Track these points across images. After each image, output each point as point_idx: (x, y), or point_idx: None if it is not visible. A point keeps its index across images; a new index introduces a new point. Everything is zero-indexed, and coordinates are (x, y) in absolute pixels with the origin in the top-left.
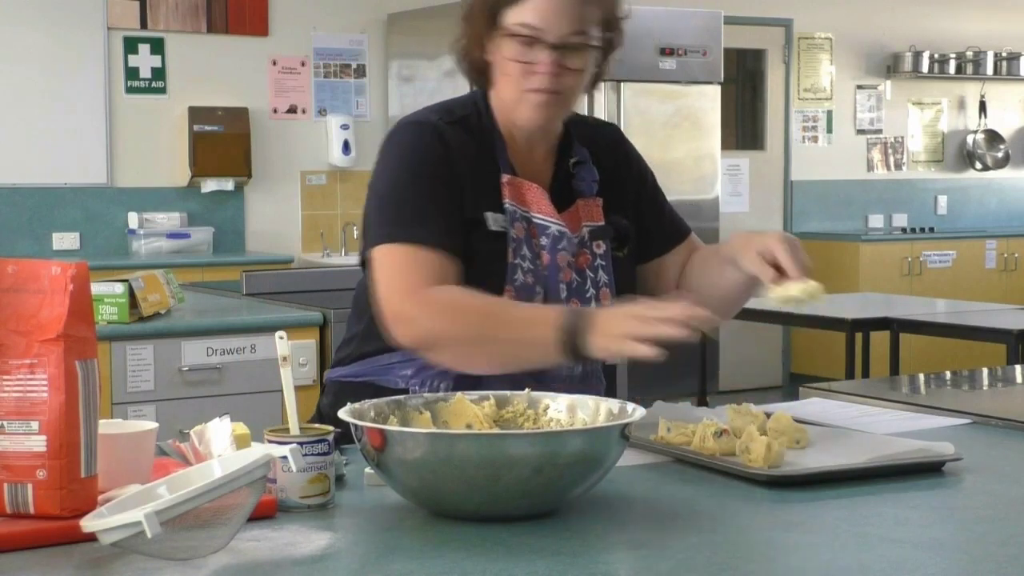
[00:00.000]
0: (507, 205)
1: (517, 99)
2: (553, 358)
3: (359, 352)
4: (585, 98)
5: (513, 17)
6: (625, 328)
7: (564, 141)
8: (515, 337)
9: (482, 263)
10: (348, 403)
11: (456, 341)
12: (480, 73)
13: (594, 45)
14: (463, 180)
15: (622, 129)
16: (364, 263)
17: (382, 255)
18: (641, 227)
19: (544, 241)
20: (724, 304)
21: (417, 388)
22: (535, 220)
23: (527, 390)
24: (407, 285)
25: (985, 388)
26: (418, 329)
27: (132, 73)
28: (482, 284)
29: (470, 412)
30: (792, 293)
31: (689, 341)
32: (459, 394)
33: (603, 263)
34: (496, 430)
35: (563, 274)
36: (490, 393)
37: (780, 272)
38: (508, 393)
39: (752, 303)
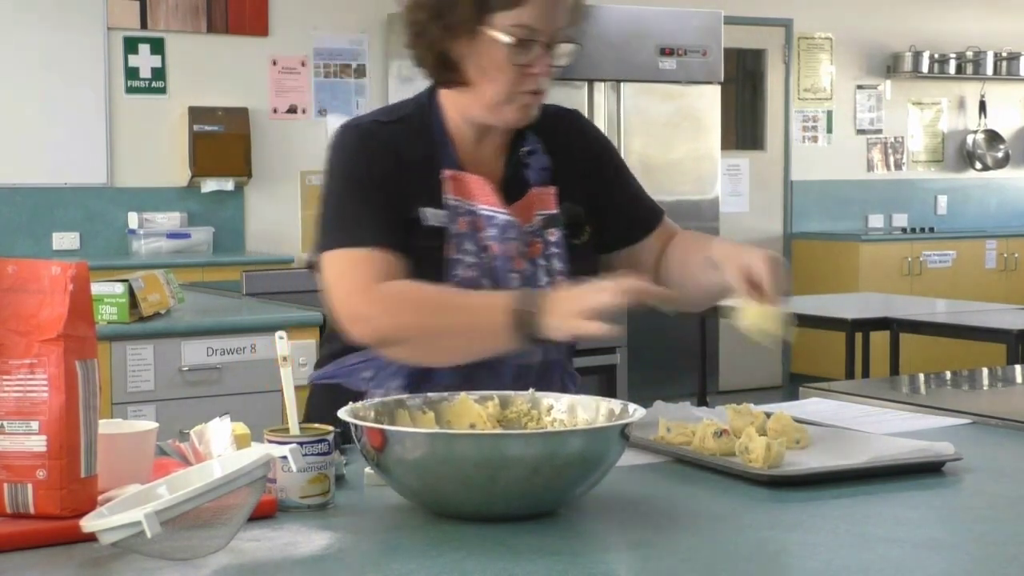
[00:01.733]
0: (450, 200)
1: (504, 101)
2: (507, 344)
3: (329, 352)
4: (585, 97)
5: (508, 18)
6: (574, 306)
7: (516, 132)
8: (468, 325)
9: (420, 260)
10: (324, 405)
11: (411, 334)
12: (449, 70)
13: (577, 42)
14: (397, 178)
15: (623, 128)
16: (312, 267)
17: (329, 260)
18: (607, 214)
19: (491, 232)
20: (698, 300)
21: (376, 391)
22: (480, 212)
23: (531, 390)
24: (357, 284)
25: (985, 388)
26: (374, 326)
27: (132, 73)
28: (422, 280)
29: (474, 412)
30: (765, 326)
31: (642, 310)
32: (463, 394)
33: (557, 251)
34: (498, 430)
35: (514, 263)
36: (494, 393)
37: (758, 291)
38: (511, 393)
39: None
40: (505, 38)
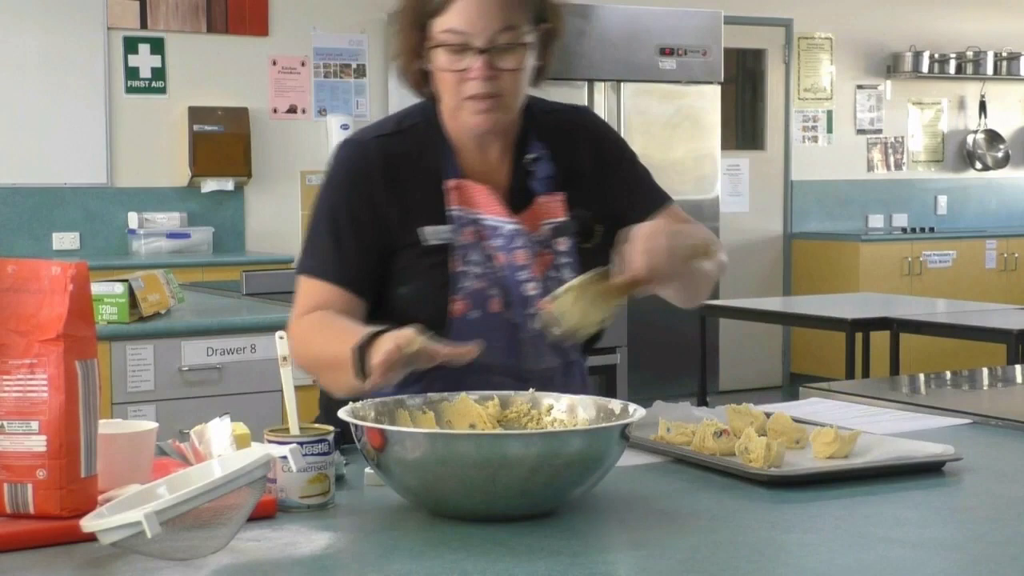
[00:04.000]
0: (454, 211)
1: (456, 107)
2: (352, 381)
3: None
4: (585, 97)
5: (439, 25)
6: (378, 359)
7: (521, 137)
8: (333, 359)
9: (423, 279)
10: (333, 405)
11: (306, 365)
12: (421, 84)
13: (526, 42)
14: (391, 201)
15: (623, 128)
16: None
17: (296, 284)
18: (622, 208)
19: (497, 242)
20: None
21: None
22: (485, 222)
23: (531, 390)
24: (294, 313)
25: (985, 388)
26: (294, 355)
27: (132, 73)
28: (427, 299)
29: (474, 412)
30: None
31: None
32: (463, 394)
33: (568, 260)
34: (498, 430)
35: (530, 271)
36: (494, 393)
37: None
38: (511, 393)
39: (756, 304)
40: (436, 44)
